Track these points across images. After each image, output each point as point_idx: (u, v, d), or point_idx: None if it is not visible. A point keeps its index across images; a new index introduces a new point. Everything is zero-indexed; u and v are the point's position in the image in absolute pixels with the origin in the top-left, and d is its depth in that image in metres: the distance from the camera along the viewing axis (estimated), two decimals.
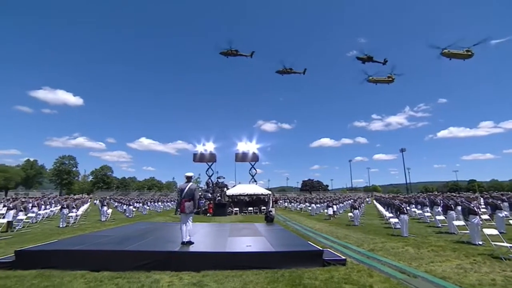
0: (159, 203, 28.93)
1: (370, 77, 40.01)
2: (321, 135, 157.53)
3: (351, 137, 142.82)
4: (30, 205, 16.01)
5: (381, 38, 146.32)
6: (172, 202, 32.91)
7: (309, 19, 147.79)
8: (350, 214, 13.68)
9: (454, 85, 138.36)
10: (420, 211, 15.48)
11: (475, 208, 8.10)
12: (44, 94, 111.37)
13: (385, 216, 14.26)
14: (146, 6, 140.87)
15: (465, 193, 26.11)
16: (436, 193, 32.02)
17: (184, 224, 5.96)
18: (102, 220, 14.90)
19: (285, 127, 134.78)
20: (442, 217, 11.69)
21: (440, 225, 11.30)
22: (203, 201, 21.13)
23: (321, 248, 5.88)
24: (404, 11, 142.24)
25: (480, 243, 7.32)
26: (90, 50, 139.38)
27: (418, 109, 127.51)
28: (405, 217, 9.43)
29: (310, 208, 22.11)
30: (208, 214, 19.56)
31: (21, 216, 11.89)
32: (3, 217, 11.04)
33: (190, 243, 5.84)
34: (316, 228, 11.91)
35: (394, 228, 10.06)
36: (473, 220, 7.67)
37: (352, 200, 22.46)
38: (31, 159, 73.16)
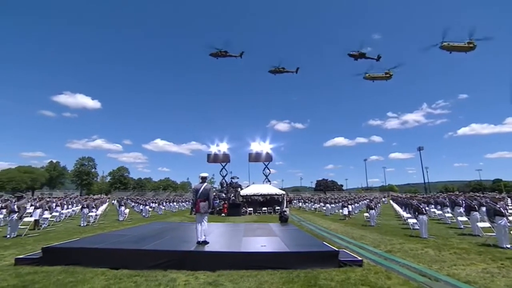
0: (174, 203, 29.54)
1: (367, 74, 38.69)
2: (335, 134, 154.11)
3: (366, 136, 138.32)
4: (54, 204, 16.86)
5: (397, 34, 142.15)
6: (187, 202, 33.48)
7: (320, 18, 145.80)
8: (366, 214, 13.38)
9: (475, 80, 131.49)
10: (440, 212, 14.85)
11: (501, 209, 7.64)
12: (65, 98, 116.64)
13: (403, 216, 13.82)
14: (150, 6, 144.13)
15: (490, 193, 24.75)
16: (457, 193, 30.57)
17: (199, 224, 6.04)
18: (120, 219, 15.42)
19: (298, 127, 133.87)
20: (464, 218, 11.13)
21: (462, 226, 10.76)
22: (218, 201, 21.35)
23: (336, 249, 5.79)
24: (421, 5, 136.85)
25: (508, 246, 6.90)
26: (107, 52, 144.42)
27: (436, 106, 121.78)
28: (424, 217, 9.07)
29: (324, 208, 21.80)
30: (222, 214, 19.75)
31: (47, 215, 12.55)
32: (31, 216, 11.65)
33: (205, 242, 5.91)
34: (331, 228, 11.73)
35: (413, 229, 9.72)
36: (500, 221, 7.25)
37: (368, 200, 21.90)
38: (54, 161, 77.18)
